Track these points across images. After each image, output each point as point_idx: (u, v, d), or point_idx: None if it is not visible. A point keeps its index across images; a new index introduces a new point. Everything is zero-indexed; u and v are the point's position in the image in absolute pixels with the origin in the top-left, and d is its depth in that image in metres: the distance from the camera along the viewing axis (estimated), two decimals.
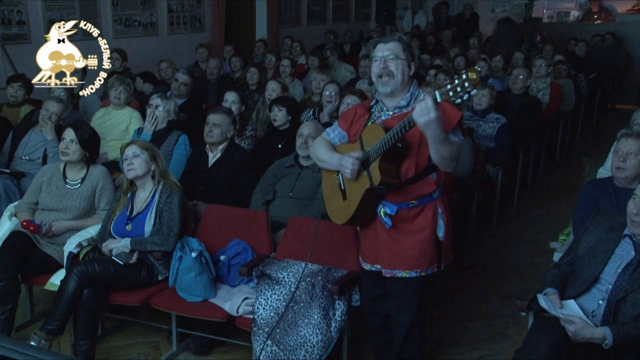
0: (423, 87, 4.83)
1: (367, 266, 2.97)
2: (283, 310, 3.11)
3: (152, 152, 3.55)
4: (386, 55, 2.73)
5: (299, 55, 7.89)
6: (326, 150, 2.89)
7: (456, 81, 2.26)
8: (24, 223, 3.60)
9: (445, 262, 2.90)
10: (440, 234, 2.82)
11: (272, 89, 5.47)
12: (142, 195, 3.56)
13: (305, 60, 8.08)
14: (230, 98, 4.96)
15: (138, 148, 3.51)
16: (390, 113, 2.78)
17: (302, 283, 3.15)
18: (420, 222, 2.80)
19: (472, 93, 2.26)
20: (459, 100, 2.29)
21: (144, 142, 3.65)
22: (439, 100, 2.34)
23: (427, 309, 3.04)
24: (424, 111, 2.37)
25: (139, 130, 4.70)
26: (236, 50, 8.43)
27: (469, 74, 2.24)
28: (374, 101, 2.87)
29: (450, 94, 2.28)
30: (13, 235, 3.68)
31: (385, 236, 2.83)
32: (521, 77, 6.19)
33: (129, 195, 3.59)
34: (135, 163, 3.48)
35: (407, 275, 2.82)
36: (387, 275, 2.86)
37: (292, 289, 3.15)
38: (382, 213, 2.76)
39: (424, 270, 2.82)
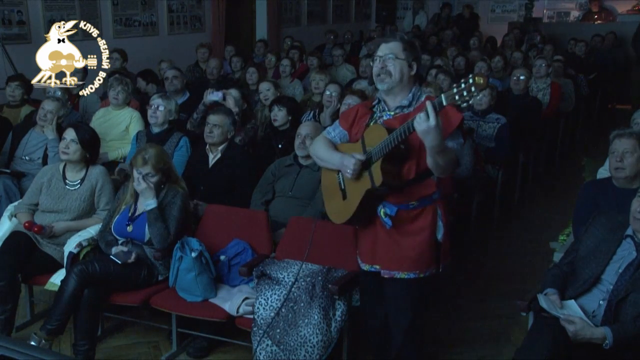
0: (424, 86, 4.80)
1: (365, 267, 2.93)
2: (283, 310, 3.10)
3: (165, 168, 3.52)
4: (386, 54, 2.71)
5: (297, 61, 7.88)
6: (327, 149, 2.87)
7: (462, 85, 2.23)
8: (26, 224, 3.60)
9: (444, 263, 2.86)
10: (440, 235, 2.79)
11: (266, 89, 5.48)
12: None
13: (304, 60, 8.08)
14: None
15: (152, 169, 3.44)
16: (392, 113, 2.75)
17: (302, 283, 3.15)
18: (420, 224, 2.77)
19: (477, 97, 2.26)
20: (464, 104, 2.27)
21: (156, 162, 3.47)
22: (444, 103, 2.31)
23: (425, 311, 3.01)
24: (423, 119, 2.37)
25: (139, 134, 4.69)
26: (236, 50, 8.43)
27: (476, 78, 2.21)
28: (375, 101, 2.84)
29: (457, 97, 2.26)
30: (13, 235, 3.68)
31: (385, 237, 2.81)
32: (522, 77, 6.16)
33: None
34: (149, 181, 3.46)
35: (406, 277, 2.79)
36: (386, 276, 2.84)
37: (292, 289, 3.14)
38: (382, 213, 2.73)
39: (422, 272, 2.79)
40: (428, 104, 2.37)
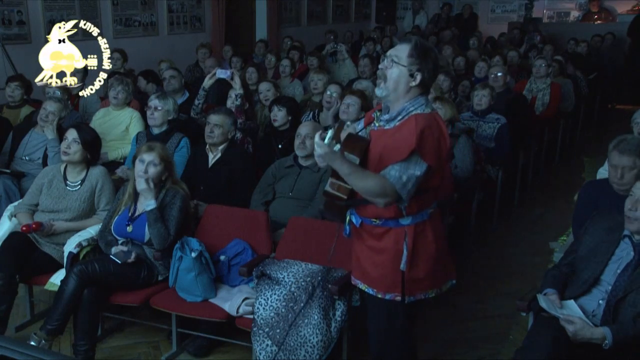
0: None
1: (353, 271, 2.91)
2: (283, 310, 3.10)
3: (168, 162, 3.53)
4: (391, 55, 2.50)
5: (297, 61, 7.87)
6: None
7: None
8: (24, 228, 3.59)
9: (414, 296, 2.62)
10: (402, 263, 2.55)
11: (266, 89, 5.47)
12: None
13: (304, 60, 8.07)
14: (234, 93, 4.96)
15: (157, 157, 3.47)
16: (377, 125, 2.58)
17: (302, 283, 3.15)
18: (382, 244, 2.61)
19: (335, 148, 2.33)
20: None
21: (162, 152, 3.54)
22: (325, 141, 2.36)
23: (404, 335, 2.76)
24: (317, 145, 2.37)
25: (139, 135, 4.69)
26: (236, 50, 8.43)
27: (337, 124, 2.34)
28: (381, 106, 2.69)
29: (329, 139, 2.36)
30: (12, 236, 3.68)
31: (357, 245, 2.75)
32: (500, 74, 6.24)
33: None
34: (150, 171, 3.45)
35: (366, 290, 2.71)
36: (352, 283, 2.82)
37: (292, 289, 3.15)
38: (347, 220, 2.69)
39: (380, 292, 2.64)
40: (317, 135, 2.39)
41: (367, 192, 2.44)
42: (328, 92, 5.04)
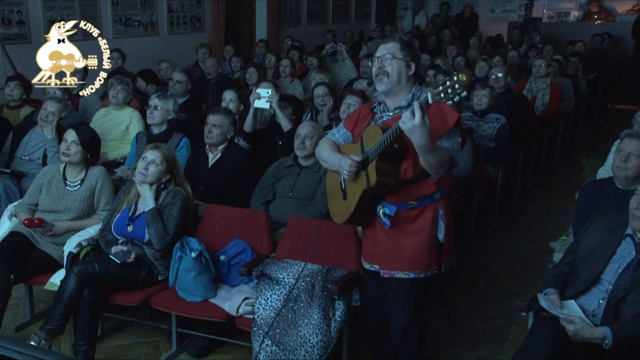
0: (423, 86, 4.79)
1: (367, 265, 2.96)
2: (283, 310, 3.10)
3: (172, 164, 3.53)
4: (383, 55, 2.73)
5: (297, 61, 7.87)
6: (329, 150, 2.90)
7: (447, 82, 2.25)
8: (26, 222, 3.58)
9: (447, 264, 2.87)
10: (441, 235, 2.79)
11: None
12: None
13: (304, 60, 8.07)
14: (228, 96, 4.96)
15: (160, 157, 3.47)
16: (391, 114, 2.77)
17: (302, 283, 3.15)
18: (419, 224, 2.78)
19: (462, 95, 2.25)
20: (450, 102, 2.29)
21: (167, 153, 3.56)
22: (430, 101, 2.33)
23: (426, 311, 3.01)
24: (408, 118, 2.38)
25: (139, 135, 4.69)
26: (236, 50, 8.43)
27: (460, 75, 2.24)
28: (376, 102, 2.87)
29: (442, 95, 2.27)
30: (10, 236, 3.66)
31: (384, 237, 2.82)
32: (500, 75, 6.23)
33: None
34: (150, 170, 3.46)
35: (406, 277, 2.80)
36: (386, 276, 2.86)
37: (292, 289, 3.14)
38: (381, 213, 2.76)
39: (422, 272, 2.80)
40: (415, 103, 2.39)
41: (440, 163, 2.60)
42: (318, 96, 5.04)
